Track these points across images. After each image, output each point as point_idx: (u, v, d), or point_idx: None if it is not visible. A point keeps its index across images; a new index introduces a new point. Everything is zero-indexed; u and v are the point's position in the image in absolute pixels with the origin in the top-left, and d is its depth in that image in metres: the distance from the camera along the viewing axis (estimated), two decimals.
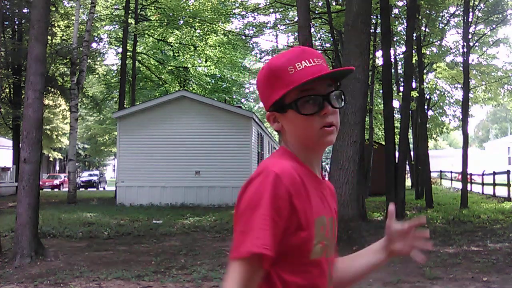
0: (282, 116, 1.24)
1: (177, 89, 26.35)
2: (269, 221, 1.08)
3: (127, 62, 23.92)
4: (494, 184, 19.07)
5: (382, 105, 16.30)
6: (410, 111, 17.42)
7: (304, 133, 1.22)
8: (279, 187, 1.11)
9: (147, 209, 15.51)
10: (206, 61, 29.20)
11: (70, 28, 23.36)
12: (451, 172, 27.80)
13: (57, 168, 52.96)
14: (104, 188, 36.69)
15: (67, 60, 21.25)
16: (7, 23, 23.10)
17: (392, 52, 17.95)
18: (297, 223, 1.13)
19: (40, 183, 9.50)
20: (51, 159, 47.23)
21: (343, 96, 1.25)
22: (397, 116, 19.59)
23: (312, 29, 17.80)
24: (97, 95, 28.97)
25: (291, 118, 1.22)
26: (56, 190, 32.75)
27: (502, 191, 18.28)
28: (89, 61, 22.03)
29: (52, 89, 23.44)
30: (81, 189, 32.09)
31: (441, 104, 24.31)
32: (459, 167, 18.01)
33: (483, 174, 21.44)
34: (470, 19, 16.94)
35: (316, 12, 18.95)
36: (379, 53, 19.09)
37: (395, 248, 1.37)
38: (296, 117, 1.21)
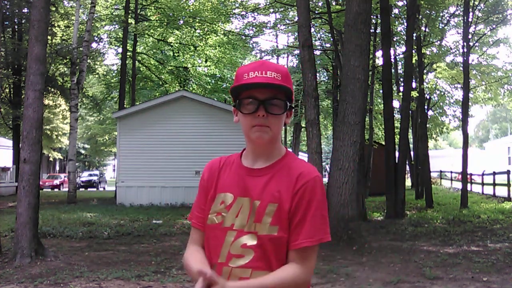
0: (239, 113, 1.59)
1: (177, 89, 26.35)
2: (196, 197, 1.71)
3: (127, 62, 23.91)
4: (494, 184, 19.06)
5: (382, 105, 16.30)
6: (410, 111, 17.42)
7: (243, 128, 1.59)
8: (202, 174, 1.71)
9: (147, 209, 15.52)
10: (206, 61, 29.20)
11: (70, 28, 23.35)
12: (451, 172, 27.79)
13: (57, 168, 52.97)
14: (104, 188, 36.69)
15: (67, 60, 21.25)
16: (7, 23, 23.09)
17: (392, 52, 17.95)
18: (207, 191, 1.66)
19: (40, 183, 9.49)
20: (51, 159, 47.24)
21: (284, 105, 1.55)
22: (397, 116, 19.59)
23: (312, 29, 17.81)
24: (97, 95, 28.97)
25: (239, 115, 1.59)
26: (56, 190, 32.74)
27: (502, 191, 18.28)
28: (89, 61, 22.02)
29: (52, 89, 23.44)
30: (81, 189, 32.10)
31: (441, 104, 24.30)
32: (459, 167, 18.02)
33: (483, 174, 21.44)
34: (470, 19, 16.93)
35: (316, 12, 18.94)
36: (379, 53, 19.09)
37: None
38: (240, 115, 1.58)
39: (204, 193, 1.66)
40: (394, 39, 20.41)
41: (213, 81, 30.02)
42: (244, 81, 1.53)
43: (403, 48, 19.36)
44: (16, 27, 24.42)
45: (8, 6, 20.88)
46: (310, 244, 1.51)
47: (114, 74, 28.57)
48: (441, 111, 24.69)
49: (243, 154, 1.67)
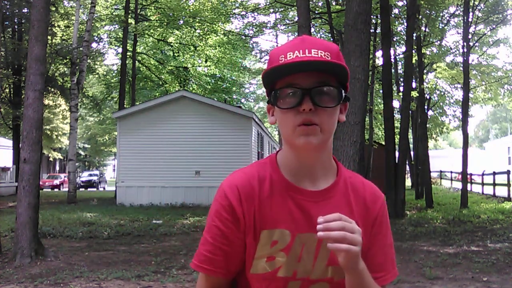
0: (275, 109, 1.16)
1: (177, 89, 26.34)
2: (210, 234, 1.15)
3: (127, 62, 23.92)
4: (494, 184, 19.06)
5: (382, 105, 16.30)
6: (410, 111, 17.43)
7: (282, 130, 1.14)
8: (223, 200, 1.15)
9: (147, 209, 15.52)
10: (206, 61, 29.20)
11: (70, 28, 23.36)
12: (451, 172, 27.80)
13: (57, 168, 52.96)
14: (104, 188, 36.70)
15: (67, 60, 21.25)
16: (7, 23, 23.08)
17: (392, 52, 17.95)
18: (242, 231, 1.14)
19: (40, 183, 9.49)
20: (51, 159, 47.22)
21: (338, 94, 1.12)
22: (397, 116, 19.59)
23: (312, 29, 17.80)
24: (97, 95, 28.96)
25: (276, 112, 1.15)
26: (56, 190, 32.75)
27: (502, 191, 18.28)
28: (89, 61, 22.02)
29: (52, 89, 23.43)
30: (81, 189, 32.11)
31: (441, 104, 24.30)
32: (459, 167, 18.02)
33: (483, 174, 21.44)
34: (470, 19, 16.93)
35: (316, 12, 18.94)
36: (379, 53, 19.10)
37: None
38: (277, 111, 1.14)
39: (233, 230, 1.14)
40: (394, 39, 20.41)
41: (213, 81, 30.02)
42: (281, 63, 1.09)
43: (403, 48, 19.36)
44: (16, 27, 24.42)
45: (8, 6, 20.87)
46: (395, 276, 1.22)
47: (114, 74, 28.57)
48: (441, 111, 24.70)
49: (281, 166, 1.19)
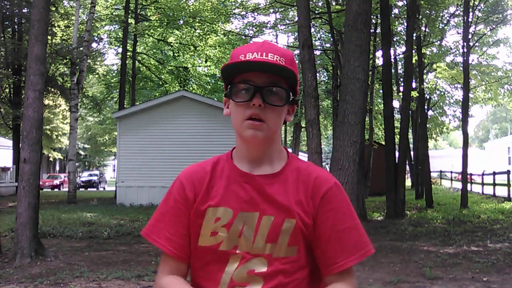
0: (230, 102, 1.29)
1: (177, 89, 26.34)
2: (164, 215, 1.31)
3: (127, 62, 23.92)
4: (494, 184, 19.06)
5: (382, 105, 16.30)
6: (410, 111, 17.42)
7: (234, 121, 1.26)
8: (174, 184, 1.33)
9: (147, 209, 15.51)
10: (206, 61, 29.20)
11: (70, 28, 23.36)
12: (451, 172, 27.80)
13: (57, 168, 52.95)
14: (104, 188, 36.70)
15: (67, 60, 21.25)
16: (7, 23, 23.08)
17: (392, 52, 17.94)
18: (190, 209, 1.28)
19: (40, 183, 9.50)
20: (51, 159, 47.22)
21: (286, 96, 1.24)
22: (397, 116, 19.59)
23: (312, 29, 17.80)
24: (97, 95, 28.97)
25: (231, 105, 1.28)
26: (56, 190, 32.75)
27: (502, 191, 18.28)
28: (89, 61, 22.03)
29: (52, 89, 23.43)
30: (81, 189, 32.10)
31: (441, 104, 24.30)
32: (459, 167, 18.01)
33: (483, 174, 21.44)
34: (470, 19, 16.93)
35: (316, 12, 18.92)
36: (379, 53, 19.08)
37: None
38: (231, 104, 1.27)
39: (185, 212, 1.28)
40: (394, 39, 20.40)
41: (213, 81, 30.01)
42: (239, 61, 1.23)
43: (403, 48, 19.36)
44: (16, 27, 24.41)
45: (8, 6, 20.86)
46: (357, 262, 1.25)
47: (114, 74, 28.57)
48: (441, 111, 24.70)
49: (234, 157, 1.32)
